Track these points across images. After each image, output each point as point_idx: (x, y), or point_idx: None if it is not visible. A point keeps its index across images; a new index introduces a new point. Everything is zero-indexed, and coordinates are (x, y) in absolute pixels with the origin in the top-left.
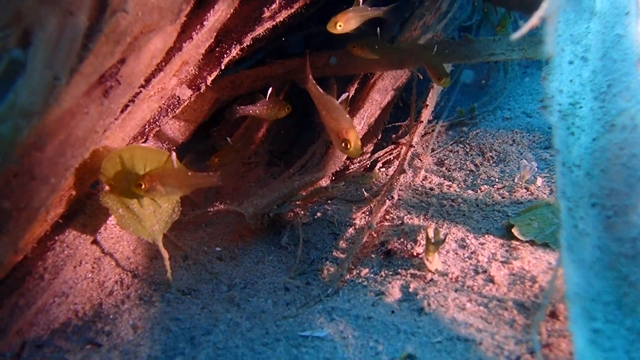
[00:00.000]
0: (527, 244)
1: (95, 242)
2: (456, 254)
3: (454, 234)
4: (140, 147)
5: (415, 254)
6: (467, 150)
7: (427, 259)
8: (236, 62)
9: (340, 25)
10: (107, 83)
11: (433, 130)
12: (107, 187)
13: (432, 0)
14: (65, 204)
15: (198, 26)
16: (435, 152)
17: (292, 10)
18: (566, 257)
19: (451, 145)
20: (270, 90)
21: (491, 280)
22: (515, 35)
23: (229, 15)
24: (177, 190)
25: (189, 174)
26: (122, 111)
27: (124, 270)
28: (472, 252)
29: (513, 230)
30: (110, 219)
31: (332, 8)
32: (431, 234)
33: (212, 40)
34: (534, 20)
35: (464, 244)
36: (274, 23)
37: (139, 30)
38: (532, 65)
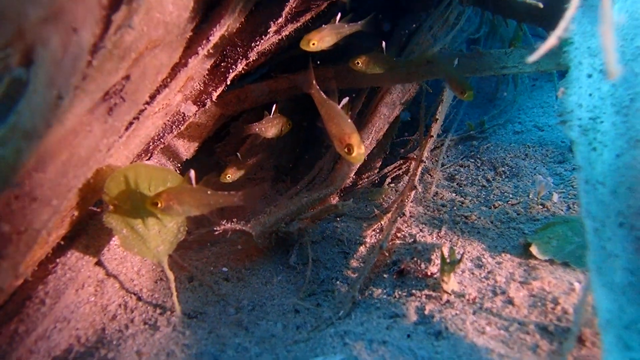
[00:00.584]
0: (546, 263)
1: (98, 263)
2: (472, 273)
3: (469, 252)
4: (145, 166)
5: (429, 273)
6: (478, 164)
7: (443, 280)
8: (241, 77)
9: (313, 43)
10: (111, 100)
11: (442, 145)
12: (110, 207)
13: (440, 12)
14: (67, 225)
15: (204, 41)
16: (446, 166)
17: (298, 24)
18: (595, 281)
19: (461, 159)
20: (274, 107)
21: (510, 301)
22: (532, 58)
23: (235, 30)
24: (194, 209)
25: (209, 192)
26: (126, 129)
27: (127, 293)
28: (489, 272)
29: (531, 248)
30: (113, 239)
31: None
32: (446, 253)
33: (218, 55)
34: (552, 41)
35: (480, 263)
36: (280, 37)
37: (144, 46)
38: (542, 77)
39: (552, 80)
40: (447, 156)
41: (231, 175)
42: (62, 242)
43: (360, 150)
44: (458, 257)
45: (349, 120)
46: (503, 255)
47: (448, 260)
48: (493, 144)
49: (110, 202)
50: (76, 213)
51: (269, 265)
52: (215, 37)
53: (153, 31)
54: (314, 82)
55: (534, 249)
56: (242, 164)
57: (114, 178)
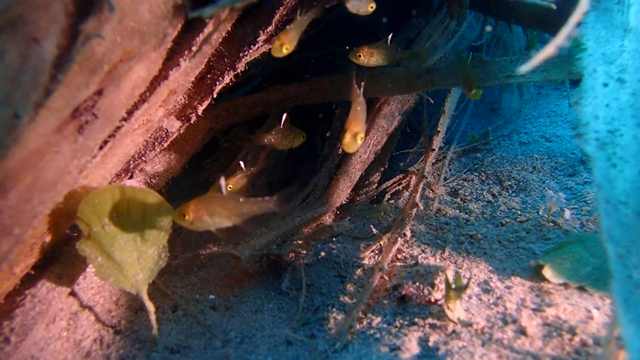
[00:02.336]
0: (560, 287)
1: (72, 294)
2: (480, 299)
3: (475, 275)
4: (122, 187)
5: (433, 300)
6: (483, 178)
7: (448, 307)
8: (231, 89)
9: (286, 48)
10: (82, 117)
11: (444, 158)
12: (85, 233)
13: (439, 19)
14: (37, 252)
15: (186, 52)
16: (448, 181)
17: None
18: (623, 316)
19: (465, 173)
20: (284, 117)
21: (523, 331)
22: (525, 68)
23: (220, 39)
24: (226, 220)
25: (241, 200)
26: (101, 147)
27: (104, 326)
28: (498, 298)
29: (543, 271)
30: (90, 266)
31: (331, 30)
32: (451, 278)
33: (203, 66)
34: (549, 50)
35: (488, 287)
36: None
37: (118, 58)
38: (547, 85)
39: (558, 88)
40: (450, 170)
41: (233, 185)
42: (33, 272)
43: (353, 141)
44: (464, 282)
45: (361, 114)
46: (513, 278)
47: (453, 286)
48: (498, 156)
49: (85, 227)
50: (48, 239)
51: (260, 292)
52: (198, 48)
53: (127, 41)
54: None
55: (546, 272)
56: (244, 174)
57: (88, 201)
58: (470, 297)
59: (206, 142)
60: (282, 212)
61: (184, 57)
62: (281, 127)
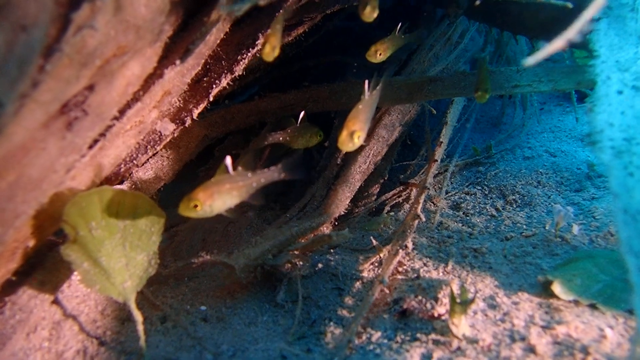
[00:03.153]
0: (570, 304)
1: (55, 302)
2: (485, 315)
3: (480, 290)
4: (112, 190)
5: (436, 314)
6: (486, 192)
7: (453, 322)
8: (228, 96)
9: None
10: (71, 113)
11: (446, 171)
12: (71, 237)
13: (442, 30)
14: (19, 257)
15: (183, 50)
16: (450, 194)
17: (290, 38)
18: None
19: (467, 187)
20: (302, 115)
21: (532, 350)
22: (530, 61)
23: (218, 40)
24: (237, 198)
25: (249, 175)
26: (90, 147)
27: (88, 337)
28: (504, 314)
29: (553, 287)
30: (75, 274)
31: (331, 38)
32: (456, 291)
33: (200, 68)
34: (559, 43)
35: (494, 303)
36: None
37: (112, 52)
38: (550, 101)
39: (561, 104)
40: (451, 183)
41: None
42: (14, 278)
43: (349, 140)
44: (471, 296)
45: (363, 114)
46: (520, 294)
47: (459, 300)
48: (501, 170)
49: (70, 231)
50: (31, 244)
51: (253, 303)
52: (196, 47)
53: (122, 35)
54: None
55: (556, 288)
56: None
57: (75, 203)
58: (475, 313)
59: (200, 150)
60: (289, 178)
61: (181, 56)
62: (297, 125)
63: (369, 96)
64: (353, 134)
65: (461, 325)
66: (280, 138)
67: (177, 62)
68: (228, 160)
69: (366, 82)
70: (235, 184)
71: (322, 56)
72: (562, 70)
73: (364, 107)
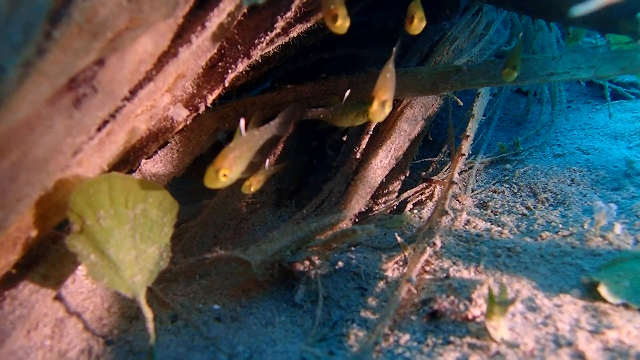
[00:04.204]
0: (619, 307)
1: (58, 298)
2: (525, 318)
3: (517, 291)
4: (122, 177)
5: (470, 316)
6: (515, 190)
7: (491, 325)
8: (240, 89)
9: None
10: (79, 90)
11: (471, 168)
12: (76, 227)
13: (466, 21)
14: (21, 248)
15: (199, 28)
16: (475, 192)
17: (308, 25)
18: None
19: (494, 185)
20: (347, 93)
21: (580, 356)
22: (580, 10)
23: (235, 21)
24: (249, 159)
25: (256, 133)
26: (99, 129)
27: (93, 336)
28: (546, 317)
29: (599, 288)
30: (80, 268)
31: (347, 32)
32: (495, 291)
33: (215, 51)
34: None
35: (534, 305)
36: (287, 40)
37: (124, 24)
38: (577, 99)
39: (589, 102)
40: (477, 181)
41: (255, 185)
42: (14, 271)
43: (381, 109)
44: (512, 296)
45: (390, 82)
46: (561, 296)
47: (497, 300)
48: (531, 168)
49: (77, 220)
50: (33, 234)
51: (270, 303)
52: (212, 24)
53: (134, 5)
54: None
55: (603, 290)
56: (264, 171)
57: (82, 190)
58: (513, 315)
59: (211, 145)
60: (282, 133)
61: (196, 34)
62: (342, 103)
63: (392, 64)
64: (385, 104)
65: (500, 328)
66: (323, 115)
67: (193, 39)
68: (242, 122)
69: (394, 49)
70: (248, 144)
71: (338, 49)
72: (603, 56)
73: (391, 76)
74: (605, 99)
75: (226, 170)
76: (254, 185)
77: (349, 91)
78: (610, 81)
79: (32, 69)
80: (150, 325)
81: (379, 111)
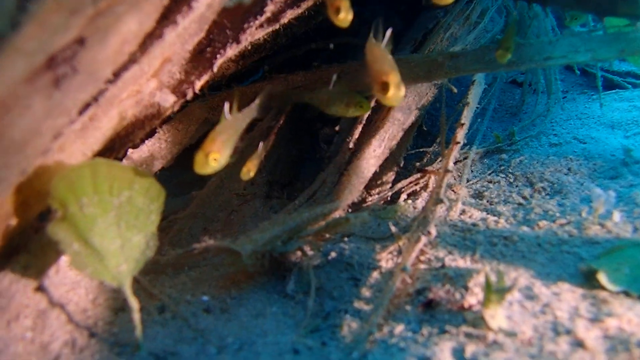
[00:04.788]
0: (619, 295)
1: (40, 289)
2: (523, 306)
3: (514, 279)
4: (106, 162)
5: (466, 305)
6: (511, 180)
7: (488, 313)
8: (230, 79)
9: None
10: (59, 69)
11: (466, 158)
12: (59, 214)
13: (460, 9)
14: (0, 237)
15: (185, 8)
16: (471, 182)
17: (299, 11)
18: None
19: (489, 175)
20: (334, 77)
21: (580, 344)
22: None
23: (223, 4)
24: (234, 143)
25: (240, 116)
26: (81, 113)
27: (77, 328)
28: (544, 305)
29: (599, 276)
30: (63, 258)
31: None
32: (492, 279)
33: (203, 35)
34: None
35: (531, 293)
36: (278, 26)
37: (107, 2)
38: (572, 89)
39: (585, 92)
40: (472, 171)
41: (252, 169)
42: None
43: (399, 92)
44: (510, 284)
45: (393, 62)
46: (560, 284)
47: (495, 287)
48: (527, 157)
49: (60, 207)
50: (14, 222)
51: (261, 294)
52: (199, 4)
53: None
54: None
55: (602, 277)
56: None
57: (64, 177)
58: (511, 304)
59: (200, 135)
60: (263, 116)
61: (182, 15)
62: (329, 88)
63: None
64: (399, 86)
65: (497, 317)
66: (307, 98)
67: (179, 20)
68: (226, 106)
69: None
70: (233, 127)
71: (331, 38)
72: (601, 39)
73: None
74: (607, 88)
75: (216, 154)
76: (252, 169)
77: (335, 75)
78: (607, 70)
79: (7, 44)
80: (137, 316)
81: (396, 95)
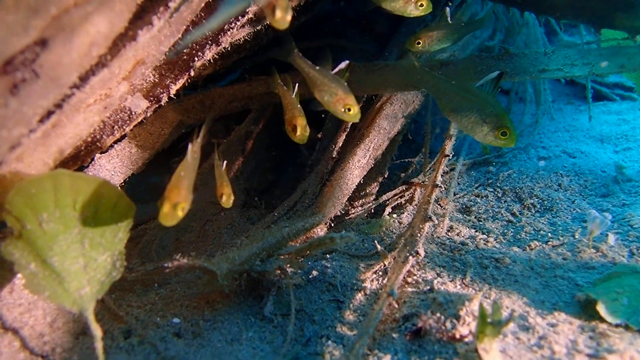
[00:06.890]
0: (618, 328)
1: None
2: (518, 338)
3: (507, 307)
4: (69, 174)
5: (458, 336)
6: (499, 195)
7: (481, 347)
8: (207, 79)
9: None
10: (17, 74)
11: (452, 170)
12: (15, 232)
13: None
14: None
15: (161, 8)
16: (458, 196)
17: None
18: None
19: (477, 188)
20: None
21: None
22: None
23: (203, 4)
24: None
25: (196, 157)
26: (42, 121)
27: (32, 355)
28: (540, 338)
29: (598, 307)
30: (18, 277)
31: (321, 21)
32: (488, 309)
33: (180, 35)
34: None
35: (526, 324)
36: (260, 27)
37: (72, 1)
38: (559, 99)
39: (572, 103)
40: (458, 184)
41: (229, 192)
42: None
43: (357, 109)
44: (507, 316)
45: (343, 82)
46: (556, 314)
47: (490, 319)
48: (515, 171)
49: (15, 224)
50: None
51: (237, 316)
52: (176, 4)
53: None
54: (296, 50)
55: (601, 308)
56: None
57: (22, 189)
58: (505, 335)
59: (174, 139)
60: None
61: (158, 15)
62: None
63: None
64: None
65: (492, 351)
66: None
67: (155, 21)
68: (190, 147)
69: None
70: (194, 168)
71: (313, 39)
72: (600, 53)
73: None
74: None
75: (183, 204)
76: (229, 194)
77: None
78: (594, 81)
79: None
80: (99, 345)
81: (356, 114)
